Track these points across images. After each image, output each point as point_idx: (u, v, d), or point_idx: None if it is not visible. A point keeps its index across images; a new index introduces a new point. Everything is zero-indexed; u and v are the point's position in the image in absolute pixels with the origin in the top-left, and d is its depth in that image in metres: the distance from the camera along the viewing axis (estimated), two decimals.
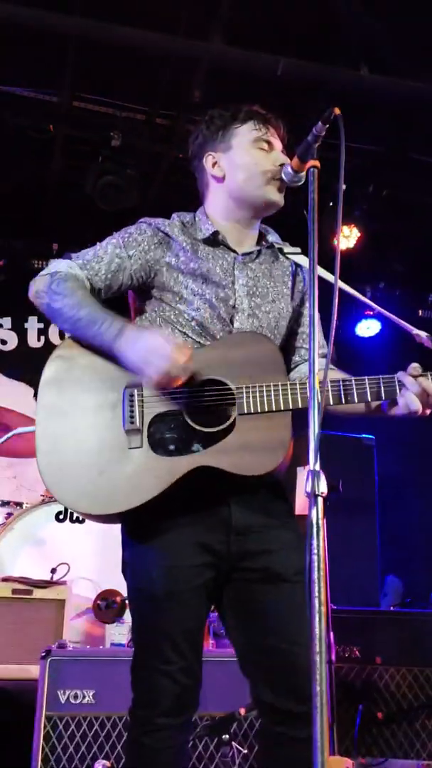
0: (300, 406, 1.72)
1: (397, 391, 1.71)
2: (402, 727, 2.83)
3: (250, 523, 1.81)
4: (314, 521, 1.39)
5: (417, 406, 1.68)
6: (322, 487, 1.42)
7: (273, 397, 1.72)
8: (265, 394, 1.73)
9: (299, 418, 1.67)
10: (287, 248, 2.06)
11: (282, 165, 1.91)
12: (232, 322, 1.91)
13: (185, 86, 4.67)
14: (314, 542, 1.38)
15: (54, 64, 4.57)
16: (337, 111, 1.64)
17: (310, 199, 1.67)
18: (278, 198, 1.97)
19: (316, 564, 1.37)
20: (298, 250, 2.06)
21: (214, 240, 1.98)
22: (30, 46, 4.32)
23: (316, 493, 1.41)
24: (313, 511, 1.40)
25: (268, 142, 1.99)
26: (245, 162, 1.97)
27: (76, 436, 1.80)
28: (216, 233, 1.98)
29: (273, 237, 2.09)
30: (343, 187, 1.66)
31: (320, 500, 1.41)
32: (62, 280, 1.86)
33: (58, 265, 1.91)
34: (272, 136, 2.01)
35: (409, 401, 1.68)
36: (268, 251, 2.06)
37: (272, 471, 1.71)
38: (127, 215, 5.68)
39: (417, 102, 4.69)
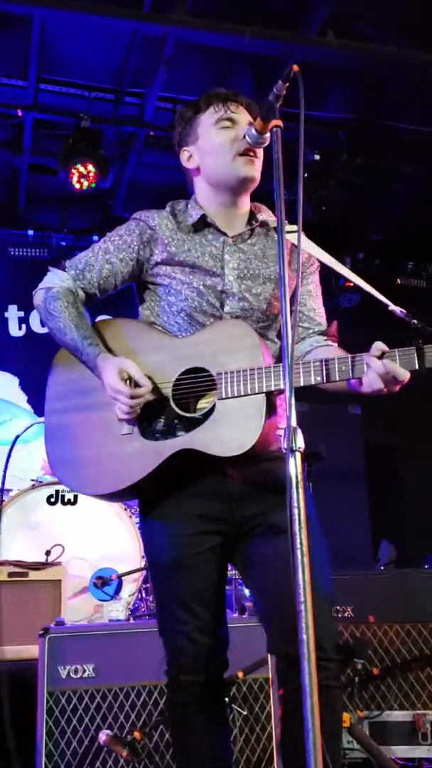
0: (273, 388, 1.77)
1: (364, 370, 1.72)
2: (397, 680, 2.91)
3: (249, 491, 1.88)
4: (293, 475, 1.43)
5: (380, 385, 1.69)
6: (299, 442, 1.46)
7: (249, 381, 1.78)
8: (242, 378, 1.79)
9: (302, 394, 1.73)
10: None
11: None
12: (222, 306, 1.95)
13: (152, 63, 4.64)
14: (294, 496, 1.42)
15: (19, 48, 4.52)
16: (295, 68, 1.63)
17: (274, 158, 1.68)
18: (249, 170, 1.96)
19: (296, 516, 1.40)
20: (294, 228, 2.06)
21: (204, 224, 2.01)
22: None
23: (293, 448, 1.44)
24: (291, 466, 1.43)
25: (230, 119, 1.98)
26: (210, 145, 1.99)
27: (78, 427, 1.98)
28: (204, 216, 2.01)
29: (265, 215, 2.07)
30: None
31: (298, 455, 1.44)
32: (54, 298, 2.00)
33: (52, 279, 2.04)
34: (234, 112, 1.98)
35: (372, 380, 1.70)
36: (261, 230, 2.06)
37: (248, 450, 1.76)
38: (101, 197, 5.68)
39: (387, 67, 4.67)
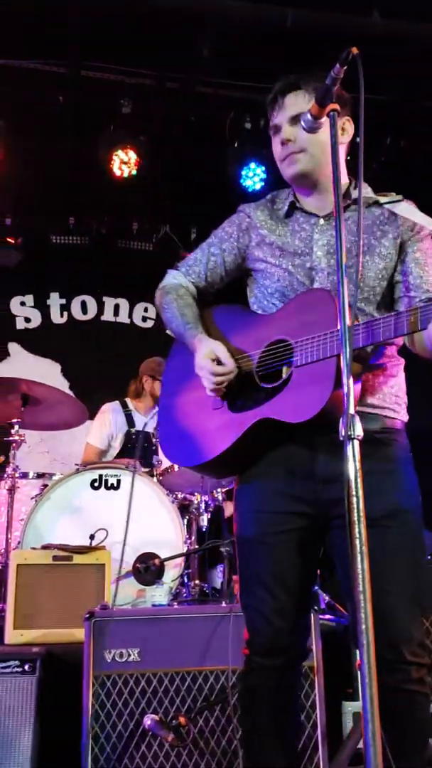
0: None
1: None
2: None
3: (337, 471, 1.80)
4: (351, 464, 1.40)
5: None
6: (358, 430, 1.43)
7: (321, 345, 1.78)
8: (316, 344, 1.80)
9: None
10: (383, 198, 2.02)
11: (288, 141, 1.98)
12: (312, 283, 1.98)
13: (193, 46, 4.60)
14: (352, 484, 1.39)
15: (58, 33, 4.51)
16: (354, 50, 1.62)
17: (330, 143, 1.66)
18: (293, 170, 2.01)
19: (355, 505, 1.38)
20: (399, 197, 2.02)
21: (294, 209, 2.07)
22: (32, 16, 4.28)
23: (351, 435, 1.41)
24: (350, 454, 1.40)
25: (275, 126, 2.04)
26: (274, 153, 2.10)
27: (183, 405, 2.12)
28: (292, 204, 2.07)
29: (364, 191, 2.01)
30: (361, 137, 1.65)
31: (356, 443, 1.42)
32: (165, 293, 2.18)
33: (166, 278, 2.22)
34: (279, 114, 2.02)
35: None
36: (356, 206, 2.02)
37: (317, 415, 1.73)
38: (142, 183, 5.68)
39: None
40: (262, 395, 1.90)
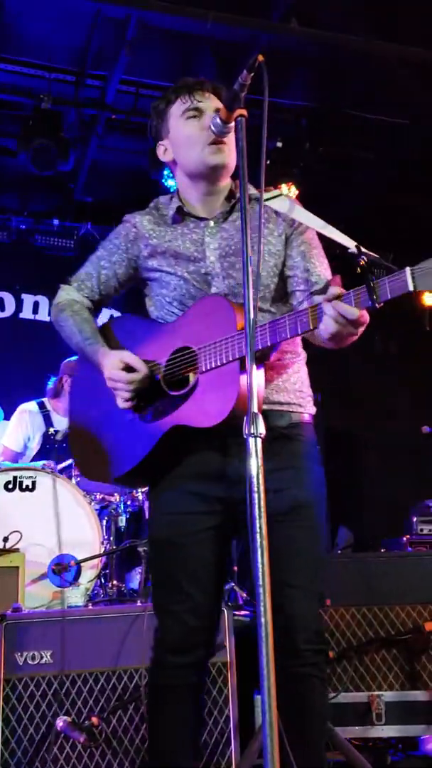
0: (244, 353, 1.72)
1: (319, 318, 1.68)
2: (352, 663, 2.96)
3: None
4: (254, 461, 1.45)
5: (333, 328, 1.62)
6: (260, 428, 1.48)
7: (223, 350, 1.80)
8: (217, 349, 1.81)
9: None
10: (265, 194, 1.99)
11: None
12: (210, 289, 1.97)
13: (115, 45, 4.59)
14: (254, 480, 1.44)
15: None
16: (260, 58, 1.64)
17: (238, 147, 1.70)
18: (219, 159, 1.96)
19: (256, 501, 1.42)
20: (278, 192, 2.03)
21: (183, 214, 2.04)
22: None
23: (254, 433, 1.46)
24: (252, 451, 1.45)
25: (197, 109, 1.99)
26: (180, 137, 2.01)
27: (94, 423, 2.10)
28: (179, 209, 2.04)
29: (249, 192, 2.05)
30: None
31: (258, 441, 1.47)
32: (60, 310, 2.14)
33: (60, 294, 2.17)
34: (200, 101, 1.99)
35: (327, 324, 1.63)
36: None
37: (229, 418, 1.75)
38: (62, 180, 5.60)
39: (349, 56, 4.70)
40: (171, 403, 1.90)
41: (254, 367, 1.54)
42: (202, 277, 1.98)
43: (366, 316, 1.63)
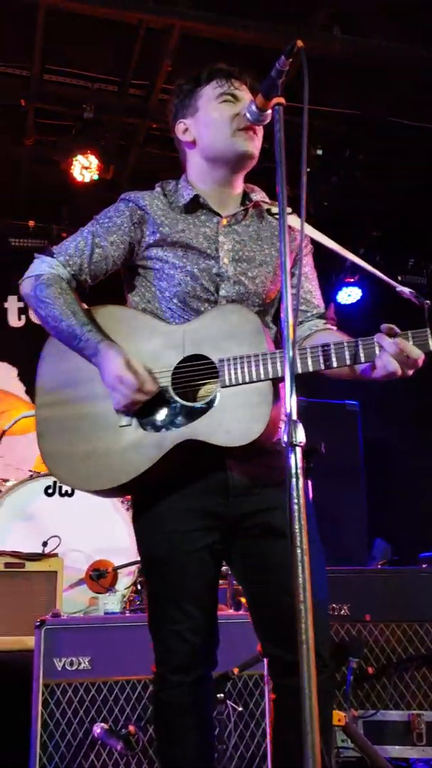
0: (279, 375, 1.69)
1: (376, 352, 1.64)
2: (392, 680, 2.91)
3: (249, 485, 1.82)
4: (293, 471, 1.40)
5: (394, 366, 1.60)
6: (300, 437, 1.42)
7: (254, 367, 1.71)
8: (245, 365, 1.72)
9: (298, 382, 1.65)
10: (275, 208, 1.98)
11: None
12: (217, 291, 1.88)
13: (157, 55, 4.62)
14: (294, 492, 1.39)
15: (23, 37, 4.49)
16: (299, 44, 1.55)
17: (276, 137, 1.59)
18: (249, 147, 1.88)
19: (296, 514, 1.39)
20: (289, 210, 2.01)
21: (196, 204, 1.94)
22: None
23: (294, 442, 1.41)
24: (292, 461, 1.40)
25: (233, 95, 1.91)
26: (211, 119, 1.91)
27: (71, 419, 1.88)
28: (196, 197, 1.93)
29: (259, 196, 2.01)
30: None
31: (298, 450, 1.41)
32: (45, 285, 1.90)
33: (41, 266, 1.94)
34: (237, 89, 1.92)
35: (386, 362, 1.61)
36: (254, 212, 1.99)
37: (255, 441, 1.70)
38: (103, 188, 5.66)
39: (391, 63, 4.66)
40: (182, 414, 1.77)
41: (294, 388, 1.46)
42: (211, 277, 1.88)
43: (423, 359, 1.61)
